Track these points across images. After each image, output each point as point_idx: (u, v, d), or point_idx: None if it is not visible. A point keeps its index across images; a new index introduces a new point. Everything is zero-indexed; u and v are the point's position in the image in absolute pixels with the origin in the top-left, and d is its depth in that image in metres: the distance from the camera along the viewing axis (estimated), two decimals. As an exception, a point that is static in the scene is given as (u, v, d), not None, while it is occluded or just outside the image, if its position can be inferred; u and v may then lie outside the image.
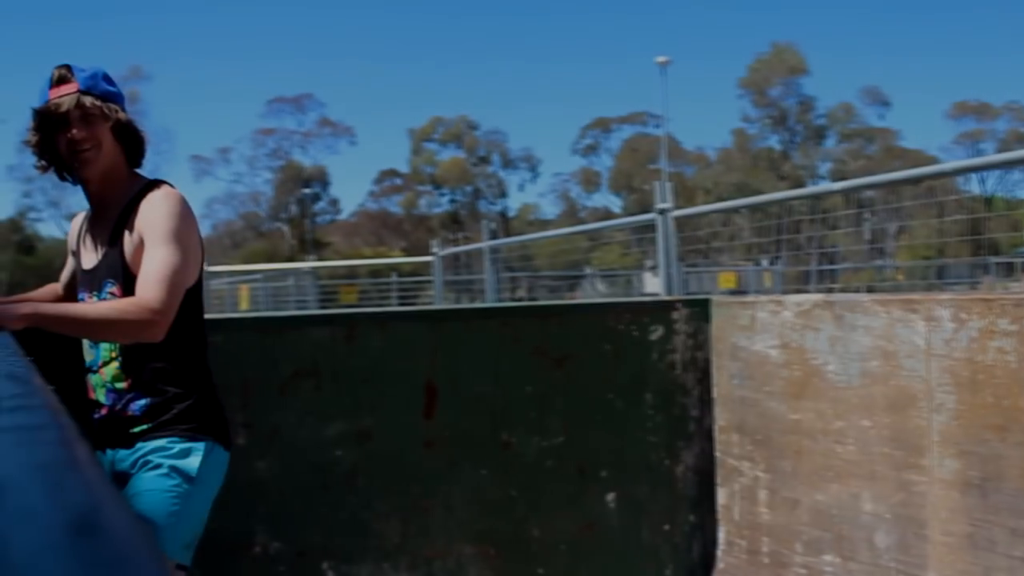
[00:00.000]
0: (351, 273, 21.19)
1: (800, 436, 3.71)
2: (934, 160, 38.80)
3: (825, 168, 49.53)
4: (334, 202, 55.50)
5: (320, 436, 3.53)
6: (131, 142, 2.70)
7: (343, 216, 55.85)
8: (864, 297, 3.57)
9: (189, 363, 2.69)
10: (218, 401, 2.79)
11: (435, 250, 11.41)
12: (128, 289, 2.56)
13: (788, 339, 3.76)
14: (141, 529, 0.35)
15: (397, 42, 70.57)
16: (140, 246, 2.56)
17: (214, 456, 2.66)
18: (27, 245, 48.23)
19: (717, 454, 4.10)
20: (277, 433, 3.47)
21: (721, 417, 4.08)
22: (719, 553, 4.08)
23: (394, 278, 19.14)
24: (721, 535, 4.09)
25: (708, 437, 4.11)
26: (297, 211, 53.49)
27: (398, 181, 55.34)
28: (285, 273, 18.50)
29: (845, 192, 5.36)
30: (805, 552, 3.70)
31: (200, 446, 2.62)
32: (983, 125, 48.82)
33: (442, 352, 3.71)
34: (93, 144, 2.58)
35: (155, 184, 2.67)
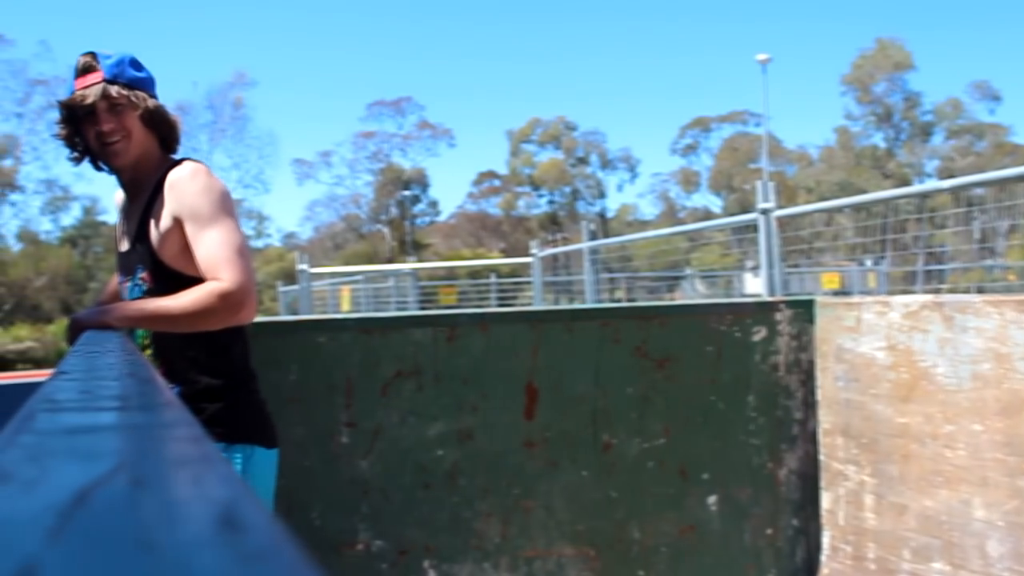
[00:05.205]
0: (450, 274, 21.36)
1: (908, 440, 3.62)
2: (1048, 156, 37.54)
3: (932, 166, 48.24)
4: (433, 204, 55.98)
5: (422, 436, 3.57)
6: (162, 128, 2.59)
7: (442, 218, 56.31)
8: (975, 298, 3.47)
9: (224, 353, 2.57)
10: (258, 395, 2.66)
11: (534, 251, 11.43)
12: (157, 274, 2.49)
13: (895, 341, 3.68)
14: (278, 523, 0.37)
15: (495, 43, 70.90)
16: (171, 230, 2.46)
17: (255, 460, 2.54)
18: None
19: (821, 457, 4.04)
20: (380, 432, 3.52)
21: (825, 420, 4.01)
22: (823, 558, 4.02)
23: (493, 279, 19.24)
24: (825, 540, 4.02)
25: (812, 440, 4.05)
26: (397, 213, 54.08)
27: (496, 183, 55.56)
28: (385, 274, 18.73)
29: (953, 190, 5.23)
30: (913, 559, 3.61)
31: (238, 456, 2.50)
32: (1100, 119, 47.07)
33: (542, 353, 3.72)
34: (123, 135, 2.49)
35: (176, 163, 2.55)
